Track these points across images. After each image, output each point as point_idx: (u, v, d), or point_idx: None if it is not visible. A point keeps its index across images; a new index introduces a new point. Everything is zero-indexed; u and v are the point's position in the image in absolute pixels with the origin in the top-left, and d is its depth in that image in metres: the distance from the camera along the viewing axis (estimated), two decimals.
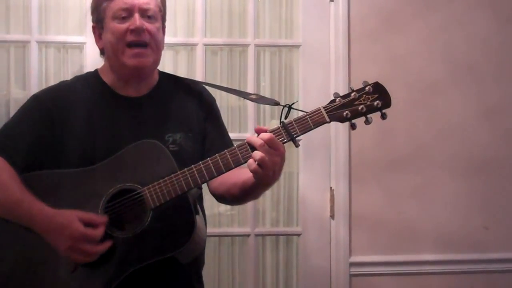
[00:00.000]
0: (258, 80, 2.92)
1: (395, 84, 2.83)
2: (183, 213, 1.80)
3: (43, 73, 2.83)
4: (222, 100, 2.88)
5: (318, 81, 2.88)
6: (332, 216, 2.88)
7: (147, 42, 1.88)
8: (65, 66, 2.85)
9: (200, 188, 1.96)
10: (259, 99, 2.13)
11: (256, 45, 2.91)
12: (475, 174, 2.94)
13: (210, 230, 2.85)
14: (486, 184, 2.94)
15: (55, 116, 1.89)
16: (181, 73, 2.84)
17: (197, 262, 1.99)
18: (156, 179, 1.77)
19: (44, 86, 2.76)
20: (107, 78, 1.97)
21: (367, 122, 1.77)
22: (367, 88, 1.77)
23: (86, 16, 2.76)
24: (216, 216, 2.91)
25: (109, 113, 1.92)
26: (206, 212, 2.86)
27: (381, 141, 2.89)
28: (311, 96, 2.84)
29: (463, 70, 2.94)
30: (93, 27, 1.98)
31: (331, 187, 2.88)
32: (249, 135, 2.78)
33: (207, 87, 2.15)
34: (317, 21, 2.90)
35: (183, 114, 1.98)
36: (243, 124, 2.90)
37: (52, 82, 2.79)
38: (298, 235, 2.92)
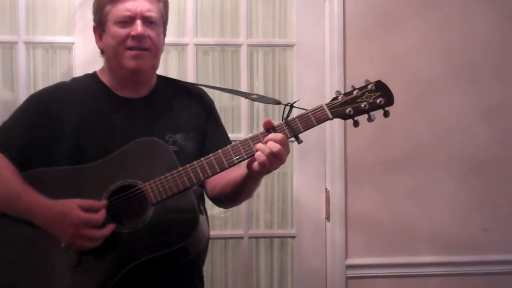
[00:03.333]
0: (251, 81, 2.89)
1: (392, 84, 2.76)
2: (185, 208, 1.81)
3: (31, 74, 2.80)
4: (215, 101, 2.82)
5: (313, 81, 2.85)
6: (327, 218, 2.86)
7: (147, 48, 1.93)
8: (53, 66, 2.82)
9: (202, 186, 2.01)
10: (261, 99, 2.14)
11: (249, 45, 2.88)
12: (474, 175, 2.92)
13: None
14: (485, 185, 2.93)
15: (53, 115, 1.91)
16: (172, 73, 2.81)
17: (199, 261, 2.03)
18: (158, 176, 1.78)
19: (32, 87, 2.78)
20: (106, 80, 2.01)
21: (370, 119, 1.80)
22: (369, 86, 1.80)
23: (74, 16, 2.76)
24: (210, 219, 2.82)
25: (108, 113, 1.95)
26: None
27: (378, 141, 2.87)
28: (305, 96, 2.79)
29: (462, 69, 2.92)
30: (94, 28, 2.02)
31: (326, 188, 2.86)
32: (243, 135, 2.78)
33: (205, 89, 2.19)
34: (311, 20, 2.87)
35: (183, 115, 2.02)
36: (236, 124, 2.87)
37: (41, 83, 2.79)
38: (293, 237, 2.89)
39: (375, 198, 2.87)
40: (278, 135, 1.75)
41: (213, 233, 2.83)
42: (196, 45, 2.84)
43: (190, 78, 2.79)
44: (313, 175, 2.87)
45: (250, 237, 2.88)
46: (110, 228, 1.76)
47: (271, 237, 2.93)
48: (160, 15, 1.98)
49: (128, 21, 1.91)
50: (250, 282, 2.88)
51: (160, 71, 2.75)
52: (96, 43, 2.02)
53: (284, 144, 1.75)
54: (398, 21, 2.88)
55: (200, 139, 2.02)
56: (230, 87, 2.82)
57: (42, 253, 1.80)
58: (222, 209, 2.84)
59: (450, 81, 2.90)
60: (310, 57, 2.86)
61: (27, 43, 2.78)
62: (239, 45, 2.87)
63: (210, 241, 2.83)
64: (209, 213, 2.81)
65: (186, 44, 2.83)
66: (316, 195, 2.87)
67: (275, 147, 1.73)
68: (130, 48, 1.91)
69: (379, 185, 2.87)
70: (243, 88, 2.84)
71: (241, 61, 2.87)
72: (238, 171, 1.88)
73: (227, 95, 2.84)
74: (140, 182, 1.79)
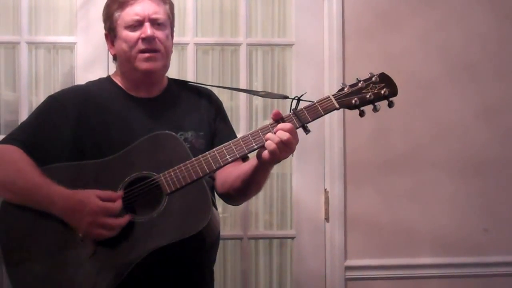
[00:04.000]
0: (250, 80, 2.91)
1: None
2: (199, 198, 1.85)
3: (33, 74, 2.82)
4: None
5: (312, 80, 2.85)
6: (327, 219, 2.86)
7: (158, 49, 2.01)
8: (55, 66, 2.84)
9: (213, 179, 2.08)
10: (268, 95, 2.25)
11: (248, 44, 2.90)
12: (474, 175, 2.92)
13: None
14: (485, 185, 2.92)
15: (70, 115, 2.00)
16: (172, 73, 2.78)
17: (211, 257, 2.09)
18: (172, 167, 1.84)
19: (34, 87, 2.81)
20: (120, 82, 2.10)
21: (375, 109, 1.87)
22: (373, 78, 1.88)
23: (76, 16, 2.78)
24: None
25: (124, 112, 2.04)
26: None
27: (377, 141, 2.87)
28: (304, 95, 2.79)
29: (461, 68, 2.92)
30: (106, 35, 2.11)
31: (325, 189, 2.86)
32: (242, 135, 2.76)
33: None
34: (310, 19, 2.88)
35: (193, 114, 2.10)
36: (235, 124, 2.81)
37: (43, 83, 2.83)
38: (292, 238, 2.89)
39: (375, 199, 2.86)
40: (287, 125, 1.82)
41: None
42: (196, 44, 2.86)
43: (190, 77, 2.80)
44: (312, 176, 2.87)
45: (249, 238, 2.88)
46: (127, 218, 1.81)
47: (270, 238, 2.93)
48: (167, 17, 2.07)
49: (137, 25, 2.00)
50: (249, 283, 2.87)
51: None
52: (109, 50, 2.12)
53: (293, 132, 1.81)
54: (397, 21, 2.89)
55: (210, 137, 2.10)
56: (229, 86, 2.84)
57: (60, 244, 1.84)
58: (220, 210, 2.84)
59: (449, 80, 2.91)
60: (309, 56, 2.87)
61: (29, 43, 2.80)
62: (239, 45, 2.89)
63: None
64: None
65: (186, 44, 2.85)
66: (315, 196, 2.86)
67: (285, 135, 1.79)
68: (142, 51, 1.99)
69: (378, 186, 2.87)
70: (242, 87, 2.85)
71: (241, 61, 2.88)
72: (247, 164, 1.95)
73: (226, 95, 2.84)
74: (154, 173, 1.85)
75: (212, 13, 2.92)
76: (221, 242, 2.81)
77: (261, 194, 2.86)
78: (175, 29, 2.81)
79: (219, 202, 2.85)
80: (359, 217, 2.85)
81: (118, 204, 1.82)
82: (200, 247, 1.91)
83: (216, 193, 2.12)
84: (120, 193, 1.84)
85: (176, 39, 2.79)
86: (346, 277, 2.84)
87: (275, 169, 2.86)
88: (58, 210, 1.84)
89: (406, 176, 2.87)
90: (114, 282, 1.79)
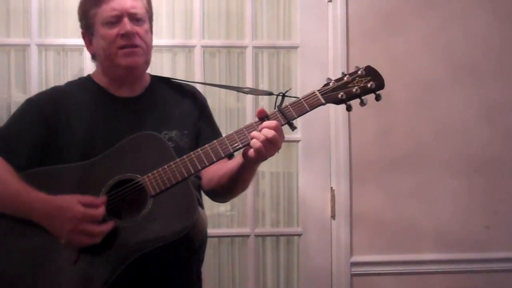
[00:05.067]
0: (256, 82, 2.93)
1: (395, 84, 2.87)
2: (185, 199, 1.80)
3: (43, 76, 2.85)
4: (221, 102, 2.92)
5: (317, 82, 2.74)
6: (333, 216, 2.89)
7: (138, 45, 1.93)
8: (65, 68, 2.86)
9: (199, 178, 2.00)
10: (253, 91, 2.19)
11: (254, 47, 2.93)
12: (476, 173, 2.94)
13: (210, 230, 2.82)
14: (486, 183, 2.94)
15: (50, 117, 1.91)
16: (180, 75, 2.87)
17: (198, 258, 2.02)
18: (155, 168, 1.77)
19: (44, 89, 2.77)
20: (101, 81, 2.01)
21: (362, 103, 1.79)
22: (359, 71, 1.81)
23: None
24: (216, 217, 2.92)
25: (106, 113, 1.96)
26: (207, 213, 2.85)
27: (382, 141, 2.90)
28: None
29: (463, 69, 2.94)
30: (83, 34, 2.03)
31: (331, 187, 2.89)
32: None
33: (198, 87, 2.19)
34: (315, 22, 2.91)
35: (177, 112, 2.02)
36: (242, 125, 2.86)
37: (52, 84, 2.77)
38: (299, 235, 2.92)
39: (379, 197, 2.89)
40: (273, 122, 1.76)
41: (220, 231, 2.89)
42: (203, 47, 2.89)
43: (197, 78, 2.83)
44: (318, 174, 2.90)
45: (257, 235, 2.91)
46: (110, 224, 1.74)
47: (277, 235, 2.95)
48: (145, 11, 1.98)
49: (115, 21, 1.92)
50: (256, 280, 2.90)
51: (168, 72, 2.83)
52: (87, 49, 2.03)
53: (279, 130, 1.76)
54: (400, 23, 2.91)
55: (194, 136, 2.03)
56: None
57: (42, 252, 1.77)
58: (228, 207, 2.91)
59: (451, 81, 2.92)
60: (314, 58, 2.90)
61: (39, 46, 2.83)
62: (245, 47, 2.92)
63: (217, 239, 2.88)
64: (215, 211, 2.88)
65: (194, 46, 2.88)
66: (321, 194, 2.90)
67: (270, 133, 1.74)
68: (122, 47, 1.91)
69: (383, 184, 2.89)
70: None
71: (247, 63, 2.91)
72: (233, 162, 1.90)
73: (233, 96, 2.90)
74: (138, 175, 1.78)
75: (219, 16, 2.94)
76: (229, 239, 2.89)
77: (268, 192, 2.94)
78: (183, 32, 2.89)
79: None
80: (365, 214, 2.88)
81: (101, 210, 1.73)
82: (188, 248, 1.85)
83: (202, 190, 2.06)
84: (103, 198, 1.76)
85: (183, 41, 2.88)
86: (352, 272, 2.87)
87: (282, 168, 2.93)
88: (38, 217, 1.76)
89: (410, 175, 2.90)
90: None
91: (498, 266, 2.93)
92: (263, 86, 2.95)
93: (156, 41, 2.79)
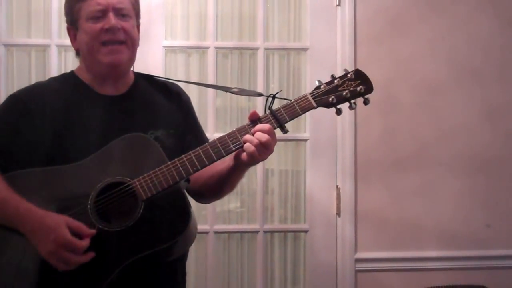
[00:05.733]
0: (267, 82, 2.97)
1: (400, 86, 2.92)
2: (177, 203, 1.76)
3: None
4: (232, 102, 2.97)
5: None
6: (338, 214, 2.93)
7: (122, 40, 1.86)
8: None
9: (188, 181, 1.93)
10: (242, 92, 2.11)
11: (266, 49, 2.98)
12: (478, 173, 2.97)
13: (220, 226, 2.93)
14: (488, 183, 2.97)
15: (33, 112, 1.84)
16: (193, 75, 2.93)
17: (183, 258, 1.97)
18: (147, 171, 1.72)
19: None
20: (85, 78, 1.93)
21: (351, 107, 1.80)
22: (349, 75, 1.80)
23: None
24: (226, 213, 2.97)
25: (90, 111, 1.88)
26: (217, 209, 2.94)
27: (386, 141, 2.93)
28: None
29: (466, 72, 2.97)
30: (68, 29, 1.95)
31: (337, 186, 2.93)
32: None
33: (181, 85, 2.13)
34: (324, 25, 2.95)
35: (163, 111, 1.96)
36: None
37: None
38: (306, 232, 2.97)
39: (384, 195, 2.93)
40: (266, 126, 1.73)
41: (229, 227, 2.94)
42: (216, 48, 2.95)
43: (210, 78, 2.88)
44: (325, 173, 2.95)
45: (265, 231, 2.96)
46: (88, 256, 1.67)
47: (285, 232, 3.01)
48: (132, 7, 1.91)
49: (100, 15, 1.84)
50: (265, 274, 2.94)
51: (182, 73, 2.89)
52: (72, 44, 1.96)
53: (272, 133, 1.73)
54: (406, 27, 2.94)
55: (180, 135, 1.95)
56: (247, 88, 2.87)
57: (30, 258, 1.71)
58: (239, 204, 2.96)
59: (454, 83, 2.96)
60: (323, 60, 2.94)
61: (59, 46, 2.87)
62: (256, 49, 2.97)
63: (227, 234, 2.92)
64: (225, 208, 2.94)
65: (207, 47, 2.94)
66: (327, 192, 2.95)
67: (264, 137, 1.70)
68: (105, 43, 1.84)
69: (387, 183, 2.93)
70: (259, 89, 2.91)
71: (258, 64, 2.96)
72: (223, 164, 1.85)
73: (244, 96, 2.92)
74: (128, 179, 1.73)
75: (232, 18, 3.00)
76: (238, 235, 2.94)
77: (276, 190, 2.98)
78: (197, 33, 2.92)
79: (239, 196, 2.97)
80: (369, 212, 2.92)
81: (85, 243, 1.66)
82: (169, 255, 1.80)
83: (186, 190, 1.96)
84: (91, 231, 1.68)
85: (197, 43, 2.92)
86: (356, 268, 2.91)
87: (290, 166, 2.98)
88: (24, 228, 1.70)
89: (414, 174, 2.93)
90: None
91: (498, 263, 2.96)
92: (274, 86, 2.99)
93: (170, 42, 2.91)
